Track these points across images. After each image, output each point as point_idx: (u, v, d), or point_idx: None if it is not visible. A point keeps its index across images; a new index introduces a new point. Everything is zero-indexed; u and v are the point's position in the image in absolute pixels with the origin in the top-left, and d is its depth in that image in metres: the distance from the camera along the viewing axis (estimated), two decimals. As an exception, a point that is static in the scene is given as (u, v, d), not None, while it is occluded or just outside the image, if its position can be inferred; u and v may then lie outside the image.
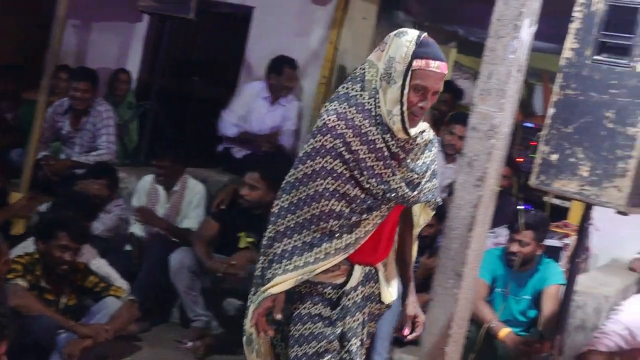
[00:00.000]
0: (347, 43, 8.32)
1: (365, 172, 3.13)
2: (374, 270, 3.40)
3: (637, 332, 5.16)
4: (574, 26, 4.21)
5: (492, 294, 5.56)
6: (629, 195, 4.00)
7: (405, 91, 3.09)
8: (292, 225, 3.17)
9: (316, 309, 3.29)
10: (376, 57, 3.22)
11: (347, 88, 3.23)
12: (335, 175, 3.12)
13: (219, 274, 5.97)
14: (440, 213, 4.37)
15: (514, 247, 5.46)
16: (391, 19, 8.69)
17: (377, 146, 3.14)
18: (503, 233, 6.03)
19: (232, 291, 6.13)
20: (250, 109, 7.76)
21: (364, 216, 3.19)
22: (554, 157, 4.20)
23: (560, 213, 6.99)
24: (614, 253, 6.83)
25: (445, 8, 8.42)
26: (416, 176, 3.27)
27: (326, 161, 3.11)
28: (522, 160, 7.43)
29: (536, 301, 5.51)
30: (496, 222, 5.57)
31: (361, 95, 3.17)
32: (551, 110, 4.25)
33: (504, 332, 5.22)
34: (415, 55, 3.09)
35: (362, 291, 3.35)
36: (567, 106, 4.20)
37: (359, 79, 3.22)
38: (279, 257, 3.17)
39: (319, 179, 3.12)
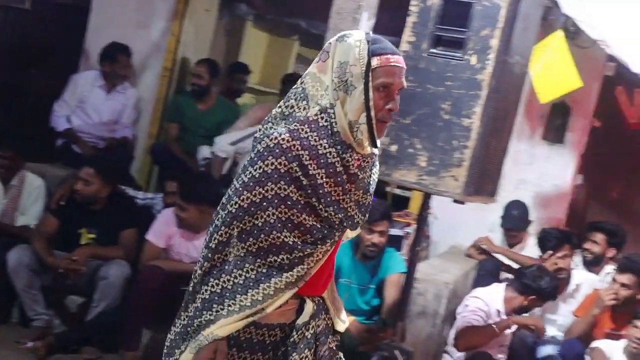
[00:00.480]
0: (189, 35, 8.24)
1: (322, 200, 2.72)
2: (322, 301, 3.00)
3: (492, 310, 5.53)
4: (410, 20, 4.31)
5: (337, 284, 5.61)
6: (465, 184, 4.14)
7: (370, 94, 2.70)
8: (231, 260, 2.74)
9: None
10: (318, 68, 2.79)
11: (290, 107, 2.79)
12: (289, 203, 2.69)
13: (61, 270, 5.82)
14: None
15: (375, 239, 5.51)
16: (234, 11, 8.68)
17: (337, 169, 2.72)
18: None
19: (74, 288, 5.99)
20: (85, 99, 7.58)
21: (318, 247, 2.77)
22: (394, 148, 4.29)
23: (402, 203, 7.15)
24: (453, 240, 7.05)
25: (288, 1, 8.46)
26: (368, 197, 2.90)
27: (279, 187, 2.68)
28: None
29: (379, 290, 5.60)
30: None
31: (313, 112, 2.74)
32: (390, 102, 4.33)
33: (348, 320, 5.28)
34: (372, 53, 2.72)
35: (313, 326, 2.91)
36: (405, 98, 4.27)
37: (301, 95, 2.79)
38: (219, 296, 2.73)
39: (270, 208, 2.68)
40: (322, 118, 2.72)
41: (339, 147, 2.72)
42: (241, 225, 2.71)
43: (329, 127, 2.72)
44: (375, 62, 2.71)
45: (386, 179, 4.35)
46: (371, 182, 2.92)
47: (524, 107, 6.64)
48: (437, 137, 4.19)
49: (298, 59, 10.47)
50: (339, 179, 2.73)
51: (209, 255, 2.76)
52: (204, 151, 7.09)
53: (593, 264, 6.46)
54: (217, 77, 7.71)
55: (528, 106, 6.82)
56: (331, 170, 2.71)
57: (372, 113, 2.70)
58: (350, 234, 3.02)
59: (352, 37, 2.76)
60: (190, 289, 2.82)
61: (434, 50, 4.25)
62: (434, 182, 4.19)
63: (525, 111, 6.88)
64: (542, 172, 7.17)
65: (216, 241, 2.74)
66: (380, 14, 4.50)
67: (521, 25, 4.28)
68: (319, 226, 2.75)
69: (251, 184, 2.68)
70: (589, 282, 6.18)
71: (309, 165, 2.69)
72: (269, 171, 2.67)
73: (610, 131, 7.57)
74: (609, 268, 6.33)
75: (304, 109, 2.76)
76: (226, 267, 2.74)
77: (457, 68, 4.19)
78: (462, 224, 6.74)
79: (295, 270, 2.74)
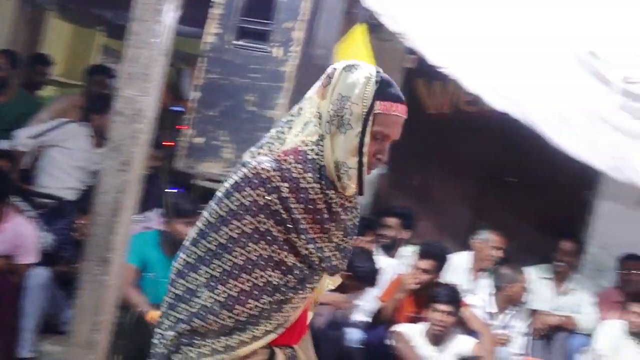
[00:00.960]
0: (-13, 23, 7.92)
1: (303, 236, 2.48)
2: (294, 353, 2.70)
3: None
4: (215, 11, 4.30)
5: (142, 279, 5.55)
6: (271, 176, 4.17)
7: (366, 139, 2.48)
8: (209, 305, 2.45)
9: None
10: (318, 93, 2.57)
11: (281, 132, 2.59)
12: (269, 238, 2.45)
13: None
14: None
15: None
16: (35, 0, 8.41)
17: (318, 206, 2.50)
18: (153, 217, 6.03)
19: None
20: None
21: (300, 292, 2.55)
22: (199, 140, 4.28)
23: (210, 196, 7.11)
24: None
25: (91, -10, 8.28)
26: (349, 241, 2.65)
27: (259, 221, 2.43)
28: (171, 144, 7.50)
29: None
30: (146, 206, 5.56)
31: (303, 141, 2.53)
32: (196, 94, 4.32)
33: (154, 315, 5.23)
34: (378, 96, 2.49)
35: None
36: (211, 90, 4.29)
37: (295, 121, 2.58)
38: (189, 338, 2.48)
39: (250, 244, 2.44)
40: (311, 150, 2.51)
41: (324, 182, 2.50)
42: (220, 264, 2.45)
43: (316, 160, 2.51)
44: (378, 106, 2.49)
45: (191, 172, 4.34)
46: (353, 227, 2.67)
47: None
48: (242, 129, 4.21)
49: (103, 51, 10.25)
50: (318, 216, 2.51)
51: (187, 295, 2.48)
52: (3, 145, 6.82)
53: (390, 249, 6.68)
54: (18, 69, 7.42)
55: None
56: (311, 206, 2.49)
57: (365, 160, 2.49)
58: (331, 283, 2.78)
59: (361, 71, 2.53)
60: (166, 325, 2.54)
61: (239, 42, 4.25)
62: (240, 173, 4.20)
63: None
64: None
65: (197, 280, 2.47)
66: (185, 5, 4.45)
67: (324, 18, 4.36)
68: (300, 266, 2.51)
69: (228, 217, 2.44)
70: (390, 267, 6.37)
71: (289, 199, 2.45)
72: (247, 203, 2.43)
73: (411, 122, 7.78)
74: (405, 250, 6.57)
75: (295, 135, 2.55)
76: (202, 312, 2.45)
77: (262, 60, 4.22)
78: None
79: (274, 318, 2.52)
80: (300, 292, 2.55)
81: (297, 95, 4.21)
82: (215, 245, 2.45)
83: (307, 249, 2.50)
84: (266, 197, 2.43)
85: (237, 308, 2.45)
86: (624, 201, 6.92)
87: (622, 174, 5.23)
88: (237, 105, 4.23)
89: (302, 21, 4.19)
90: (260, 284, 2.46)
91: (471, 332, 5.79)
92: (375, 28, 6.21)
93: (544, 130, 5.14)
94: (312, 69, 4.38)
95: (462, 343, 5.66)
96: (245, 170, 2.47)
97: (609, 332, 6.09)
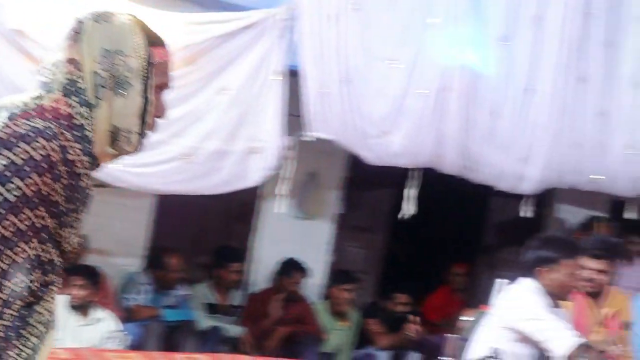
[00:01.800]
0: None
1: (67, 229, 1.99)
2: None
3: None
4: None
5: None
6: None
7: (151, 96, 2.09)
8: None
9: None
10: (65, 54, 2.05)
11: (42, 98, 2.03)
12: (44, 236, 1.93)
13: None
14: None
15: None
16: None
17: (80, 195, 2.00)
18: None
19: None
20: None
21: (53, 289, 2.02)
22: None
23: None
24: None
25: None
26: (83, 208, 2.08)
27: (36, 215, 1.90)
28: None
29: None
30: None
31: (70, 114, 2.00)
32: None
33: None
34: (151, 43, 2.10)
35: None
36: None
37: (45, 89, 2.03)
38: None
39: (22, 244, 1.89)
40: (87, 124, 2.03)
41: (92, 163, 2.04)
42: None
43: (89, 137, 2.02)
44: (154, 55, 2.11)
45: None
46: (87, 192, 2.12)
47: None
48: None
49: None
50: (78, 203, 2.01)
51: None
52: None
53: None
54: None
55: None
56: (74, 194, 1.98)
57: (150, 119, 2.12)
58: None
59: (119, 18, 2.09)
60: None
61: None
62: None
63: None
64: None
65: None
66: None
67: None
68: (60, 261, 2.02)
69: (2, 211, 1.86)
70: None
71: (66, 186, 1.94)
72: (30, 194, 1.88)
73: None
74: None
75: (66, 106, 2.02)
76: None
77: None
78: None
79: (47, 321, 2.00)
80: (53, 288, 2.03)
81: None
82: None
83: (69, 243, 2.03)
84: (51, 185, 1.92)
85: None
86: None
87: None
88: None
89: None
90: (17, 290, 1.92)
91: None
92: None
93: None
94: None
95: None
96: (29, 148, 1.90)
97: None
